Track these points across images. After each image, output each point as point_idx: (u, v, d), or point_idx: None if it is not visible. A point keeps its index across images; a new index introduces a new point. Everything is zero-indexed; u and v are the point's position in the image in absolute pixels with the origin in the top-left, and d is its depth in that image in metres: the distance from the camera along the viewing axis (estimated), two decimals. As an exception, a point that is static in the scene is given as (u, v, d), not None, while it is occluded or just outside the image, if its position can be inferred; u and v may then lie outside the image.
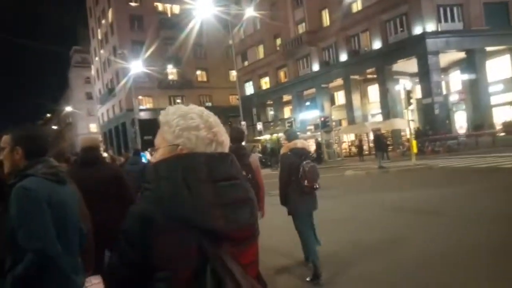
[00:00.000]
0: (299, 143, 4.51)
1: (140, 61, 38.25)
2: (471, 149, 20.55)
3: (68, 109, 61.86)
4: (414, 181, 12.15)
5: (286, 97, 37.73)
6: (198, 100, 48.70)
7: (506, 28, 24.98)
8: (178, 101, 48.10)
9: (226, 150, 1.23)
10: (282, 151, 4.62)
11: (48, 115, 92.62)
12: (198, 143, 1.17)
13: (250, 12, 30.07)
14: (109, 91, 49.20)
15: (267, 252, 4.81)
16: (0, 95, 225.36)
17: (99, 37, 54.40)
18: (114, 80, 48.12)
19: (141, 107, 46.43)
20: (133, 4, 46.97)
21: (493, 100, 25.39)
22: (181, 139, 1.17)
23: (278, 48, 38.02)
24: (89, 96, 66.00)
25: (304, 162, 4.27)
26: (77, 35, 69.79)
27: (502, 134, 23.28)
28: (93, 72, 61.98)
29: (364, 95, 31.67)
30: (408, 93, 16.85)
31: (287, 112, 38.65)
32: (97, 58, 57.14)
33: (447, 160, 17.43)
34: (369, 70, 29.32)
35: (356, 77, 30.60)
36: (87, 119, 66.09)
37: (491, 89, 25.32)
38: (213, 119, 1.23)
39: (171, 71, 47.05)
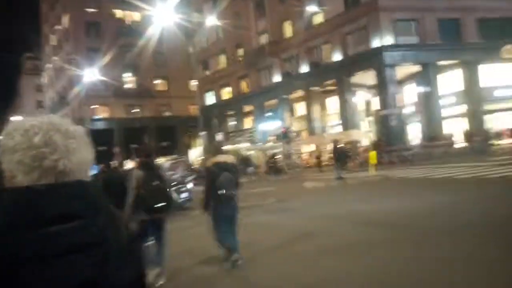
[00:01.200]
0: (222, 157, 5.22)
1: (96, 69, 36.58)
2: (425, 159, 20.84)
3: (15, 118, 58.12)
4: (373, 193, 11.83)
5: (247, 108, 37.30)
6: (156, 109, 47.25)
7: (457, 43, 25.98)
8: (136, 110, 46.45)
9: (69, 177, 0.90)
10: (207, 164, 5.36)
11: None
12: (16, 170, 0.88)
13: (212, 20, 29.53)
14: (61, 100, 46.70)
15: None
16: None
17: (53, 43, 51.83)
18: (67, 88, 45.78)
19: (97, 116, 44.37)
20: (90, 10, 45.18)
21: (446, 112, 26.19)
22: (3, 164, 0.90)
23: (240, 58, 37.66)
24: (41, 105, 62.52)
25: (222, 174, 4.94)
26: (29, 42, 66.37)
27: (456, 145, 23.95)
28: (45, 79, 58.88)
29: (323, 106, 31.82)
30: (368, 104, 16.75)
31: (248, 122, 38.16)
32: (50, 65, 54.33)
33: (404, 170, 17.45)
34: (328, 82, 29.50)
35: (316, 88, 30.70)
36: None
37: (443, 101, 26.11)
38: (43, 137, 0.88)
39: (129, 80, 45.43)
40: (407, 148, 23.39)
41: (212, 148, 5.56)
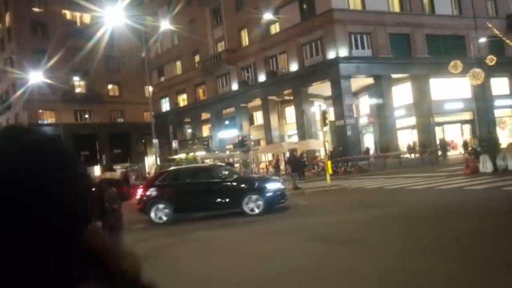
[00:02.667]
0: (108, 174, 6.49)
1: (42, 71, 34.39)
2: (379, 169, 21.40)
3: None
4: (329, 206, 11.73)
5: (204, 115, 36.68)
6: (109, 115, 45.27)
7: (408, 57, 27.14)
8: (86, 116, 44.22)
9: None
10: (97, 180, 6.44)
11: None
12: None
13: (165, 25, 28.77)
14: (3, 103, 43.46)
15: None
16: None
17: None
18: (9, 91, 42.67)
19: (43, 121, 41.70)
20: (36, 9, 42.59)
21: (398, 123, 27.20)
22: None
23: (197, 65, 37.02)
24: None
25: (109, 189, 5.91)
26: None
27: (406, 155, 24.88)
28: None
29: (281, 115, 31.97)
30: (324, 114, 16.91)
31: (205, 130, 37.51)
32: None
33: (359, 180, 17.73)
34: (286, 92, 29.68)
35: (274, 98, 30.80)
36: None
37: (396, 113, 27.11)
38: None
39: (79, 84, 43.21)
40: (363, 158, 23.95)
41: (104, 167, 6.67)
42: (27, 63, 38.18)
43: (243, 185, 11.26)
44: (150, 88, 34.22)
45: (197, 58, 37.28)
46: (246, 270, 5.65)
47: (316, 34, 27.20)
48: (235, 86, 33.47)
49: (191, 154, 30.25)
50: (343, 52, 26.06)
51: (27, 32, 41.72)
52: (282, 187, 11.51)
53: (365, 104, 28.82)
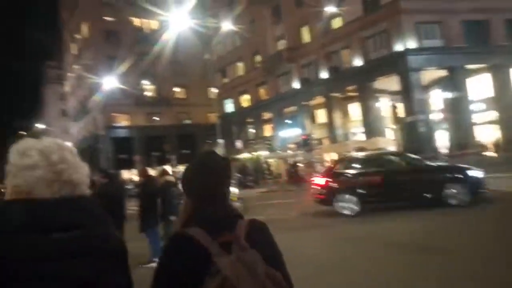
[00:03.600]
0: (170, 177, 7.99)
1: (114, 77, 36.87)
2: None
3: (40, 126, 59.37)
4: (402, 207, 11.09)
5: (266, 115, 36.87)
6: (176, 117, 47.35)
7: (484, 46, 24.88)
8: (156, 118, 46.65)
9: (81, 189, 1.12)
10: (162, 182, 7.91)
11: (21, 132, 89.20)
12: (35, 184, 1.06)
13: (227, 26, 29.29)
14: (83, 108, 47.36)
15: None
16: None
17: (74, 52, 52.74)
18: (87, 96, 46.39)
19: (117, 124, 44.78)
20: (108, 18, 45.72)
21: (475, 118, 25.08)
22: (18, 180, 1.08)
23: (258, 65, 37.30)
24: (64, 113, 63.75)
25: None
26: (52, 51, 67.81)
27: (487, 153, 22.84)
28: (67, 88, 59.97)
29: (345, 113, 31.06)
30: (394, 109, 16.01)
31: (267, 130, 37.72)
32: (71, 74, 55.30)
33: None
34: (350, 88, 28.78)
35: (337, 94, 30.01)
36: (62, 136, 63.57)
37: (472, 107, 25.02)
38: (59, 155, 1.11)
39: (148, 88, 45.70)
40: (436, 156, 22.43)
41: (161, 172, 8.37)
42: (102, 69, 41.21)
43: (443, 173, 10.33)
44: (214, 90, 35.25)
45: (258, 58, 37.56)
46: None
47: (380, 26, 26.00)
48: (296, 84, 33.20)
49: (255, 153, 30.58)
50: (411, 43, 24.61)
51: (101, 40, 44.99)
52: (483, 175, 10.35)
53: (436, 98, 26.97)
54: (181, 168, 40.74)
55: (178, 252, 1.29)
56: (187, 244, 1.27)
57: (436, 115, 26.30)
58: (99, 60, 43.98)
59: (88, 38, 46.06)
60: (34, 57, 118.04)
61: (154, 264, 6.81)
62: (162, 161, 43.05)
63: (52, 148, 1.10)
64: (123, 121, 45.06)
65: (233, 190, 12.61)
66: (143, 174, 8.26)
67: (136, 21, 47.09)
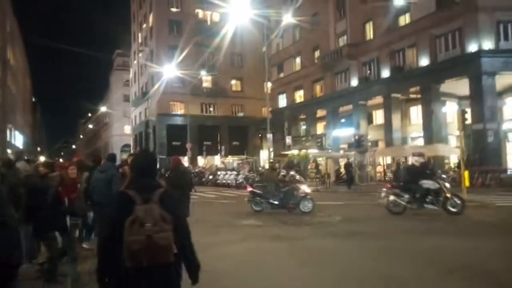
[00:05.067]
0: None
1: (174, 66, 37.75)
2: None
3: (104, 109, 62.80)
4: (469, 226, 9.75)
5: (320, 112, 35.75)
6: (230, 109, 47.63)
7: None
8: (210, 109, 47.27)
9: None
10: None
11: (89, 114, 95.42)
12: None
13: (288, 18, 28.62)
14: (143, 95, 49.25)
15: None
16: (54, 94, 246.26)
17: (139, 41, 55.00)
18: (149, 83, 48.12)
19: (173, 112, 46.00)
20: (173, 9, 46.99)
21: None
22: None
23: (316, 61, 36.25)
24: (126, 99, 66.87)
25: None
26: (120, 39, 71.34)
27: None
28: (131, 75, 62.80)
29: (405, 115, 29.13)
30: (463, 115, 14.47)
31: (320, 128, 36.61)
32: (135, 62, 57.78)
33: (503, 197, 14.80)
34: (412, 89, 26.91)
35: (398, 95, 28.20)
36: (122, 120, 66.93)
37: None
38: None
39: (206, 78, 46.37)
40: (506, 170, 20.21)
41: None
42: (164, 58, 42.45)
43: None
44: (269, 84, 34.80)
45: (316, 54, 36.50)
46: None
47: (454, 24, 23.87)
48: (354, 82, 31.75)
49: (304, 151, 29.70)
50: (488, 44, 22.32)
51: (165, 30, 46.39)
52: None
53: (511, 107, 24.33)
54: (231, 159, 41.00)
55: (118, 201, 2.46)
56: (124, 197, 2.38)
57: (508, 125, 23.75)
58: (162, 49, 45.37)
59: (153, 28, 47.71)
60: (106, 46, 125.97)
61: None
62: (213, 150, 43.63)
63: None
64: (178, 109, 46.18)
65: (305, 188, 12.60)
66: (176, 162, 8.56)
67: (199, 13, 47.92)
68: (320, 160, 30.70)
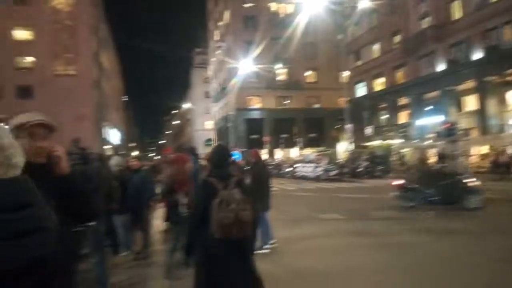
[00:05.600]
0: None
1: (250, 61, 38.56)
2: None
3: (187, 106, 66.41)
4: None
5: (402, 100, 33.89)
6: (305, 101, 47.37)
7: None
8: (285, 102, 47.46)
9: (19, 171, 1.21)
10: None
11: (174, 111, 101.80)
12: None
13: (365, 3, 27.50)
14: (222, 90, 51.10)
15: None
16: (141, 93, 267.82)
17: (216, 38, 57.02)
18: (227, 79, 49.80)
19: (250, 106, 47.11)
20: (247, 5, 47.82)
21: None
22: None
23: (396, 46, 34.35)
24: (207, 95, 69.97)
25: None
26: (199, 38, 74.66)
27: None
28: (210, 72, 65.46)
29: (501, 100, 26.35)
30: None
31: (402, 117, 34.70)
32: (214, 59, 60.07)
33: None
34: (510, 71, 24.24)
35: (493, 78, 25.62)
36: (203, 116, 70.24)
37: None
38: (8, 140, 1.21)
39: (280, 71, 46.59)
40: None
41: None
42: (240, 54, 43.57)
43: None
44: (347, 73, 33.89)
45: (396, 39, 34.55)
46: None
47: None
48: (441, 67, 29.48)
49: (387, 141, 28.51)
50: None
51: (240, 26, 47.46)
52: None
53: None
54: (309, 151, 40.89)
55: (204, 187, 3.04)
56: (208, 184, 3.01)
57: None
58: (237, 45, 46.55)
59: (229, 24, 49.10)
60: (185, 45, 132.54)
61: (265, 251, 6.66)
62: (290, 143, 43.87)
63: (3, 133, 1.19)
64: (255, 103, 47.12)
65: (474, 181, 11.02)
66: (256, 156, 7.65)
67: (273, 6, 48.14)
68: (405, 151, 29.20)
